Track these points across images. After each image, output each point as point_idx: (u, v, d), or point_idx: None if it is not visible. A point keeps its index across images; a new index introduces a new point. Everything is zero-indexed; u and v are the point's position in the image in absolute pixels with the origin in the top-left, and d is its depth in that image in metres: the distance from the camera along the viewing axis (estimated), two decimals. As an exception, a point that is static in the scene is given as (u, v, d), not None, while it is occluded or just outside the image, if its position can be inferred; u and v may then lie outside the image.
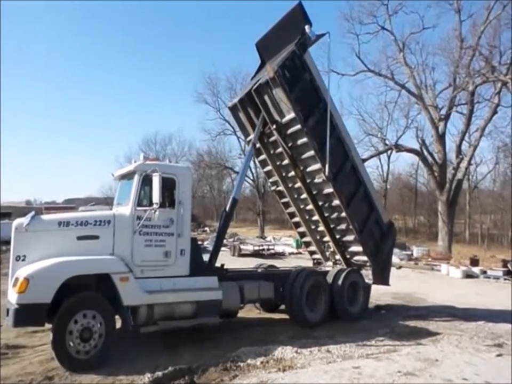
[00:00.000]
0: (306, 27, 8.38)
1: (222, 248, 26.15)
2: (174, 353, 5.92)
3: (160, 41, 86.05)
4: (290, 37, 8.45)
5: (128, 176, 6.77)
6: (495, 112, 25.90)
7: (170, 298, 6.20)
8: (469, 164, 28.49)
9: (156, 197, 5.98)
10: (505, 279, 16.36)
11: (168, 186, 6.42)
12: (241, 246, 24.78)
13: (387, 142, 31.18)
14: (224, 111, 43.74)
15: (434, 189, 28.63)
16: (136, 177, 6.33)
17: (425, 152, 28.80)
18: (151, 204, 6.09)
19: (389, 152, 35.30)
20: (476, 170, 37.52)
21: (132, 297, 5.83)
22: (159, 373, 4.97)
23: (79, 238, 5.86)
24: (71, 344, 5.33)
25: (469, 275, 16.98)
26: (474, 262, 18.66)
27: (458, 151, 27.34)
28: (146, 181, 6.26)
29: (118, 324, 5.95)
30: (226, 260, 17.95)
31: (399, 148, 29.86)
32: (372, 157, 32.02)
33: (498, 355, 6.03)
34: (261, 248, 24.55)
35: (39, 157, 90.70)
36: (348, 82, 57.82)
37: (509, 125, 29.93)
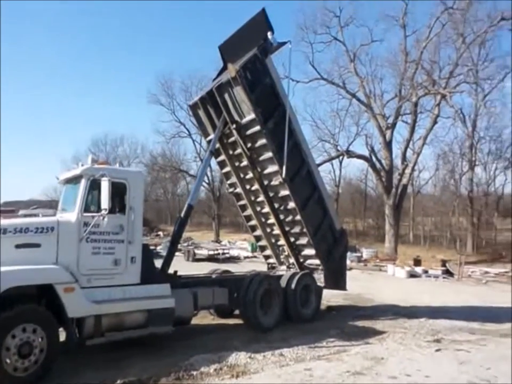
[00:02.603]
0: (269, 33, 8.67)
1: (176, 253, 25.60)
2: (124, 365, 5.66)
3: (112, 39, 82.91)
4: (253, 42, 8.63)
5: (74, 180, 6.42)
6: (435, 122, 27.96)
7: (120, 308, 5.95)
8: (413, 170, 30.43)
9: (105, 202, 5.73)
10: (443, 278, 17.63)
11: (118, 191, 6.17)
12: (196, 251, 24.46)
13: (339, 148, 32.43)
14: (179, 113, 43.14)
15: (382, 194, 30.15)
16: (83, 182, 6.03)
17: (374, 159, 30.37)
18: (99, 209, 5.83)
19: (340, 157, 36.66)
20: (419, 176, 40.05)
21: (77, 308, 5.52)
22: (107, 387, 4.76)
23: (18, 246, 5.45)
24: (8, 361, 4.91)
25: (412, 275, 18.07)
26: (417, 262, 19.92)
27: (403, 158, 29.12)
28: (94, 186, 5.98)
29: (62, 338, 5.61)
30: (181, 265, 17.64)
31: (350, 154, 31.16)
32: (324, 162, 33.09)
33: (437, 350, 6.47)
34: (215, 252, 24.41)
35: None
36: (302, 89, 59.19)
37: (448, 134, 32.47)
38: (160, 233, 42.11)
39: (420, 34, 28.26)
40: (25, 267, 5.28)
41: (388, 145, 29.28)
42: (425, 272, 18.33)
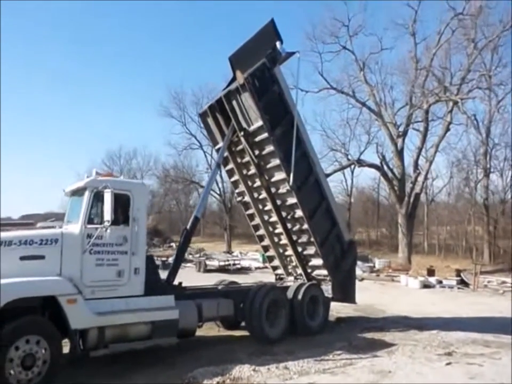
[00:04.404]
0: (278, 43, 8.83)
1: (188, 264, 25.53)
2: (127, 377, 5.64)
3: (124, 52, 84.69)
4: (262, 52, 8.76)
5: (79, 192, 6.51)
6: (447, 130, 27.56)
7: (123, 319, 5.94)
8: (426, 178, 29.96)
9: (108, 214, 5.78)
10: (458, 288, 17.13)
11: (122, 203, 6.23)
12: (207, 262, 24.47)
13: (350, 157, 32.23)
14: (190, 126, 43.63)
15: (395, 202, 29.73)
16: (86, 194, 6.11)
17: (385, 167, 30.02)
18: (102, 221, 5.89)
19: (352, 167, 36.43)
20: (432, 184, 39.40)
21: (81, 320, 5.54)
22: (108, 400, 4.73)
23: (23, 258, 5.52)
24: (12, 372, 4.94)
25: (426, 285, 17.61)
26: (431, 272, 19.42)
27: (416, 166, 28.69)
28: (97, 198, 6.05)
29: (67, 349, 5.63)
30: (191, 276, 17.66)
31: (361, 163, 30.92)
32: (335, 171, 32.93)
33: (448, 363, 6.24)
34: (226, 263, 24.34)
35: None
36: (311, 99, 59.46)
37: (461, 141, 31.96)
38: (173, 244, 42.26)
39: (429, 41, 28.15)
40: (28, 279, 5.33)
41: (400, 153, 28.97)
42: (440, 282, 17.86)
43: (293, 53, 9.29)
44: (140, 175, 51.58)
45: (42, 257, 5.62)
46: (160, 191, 53.56)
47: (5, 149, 78.72)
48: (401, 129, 29.17)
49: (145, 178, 51.38)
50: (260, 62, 8.56)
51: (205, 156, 43.91)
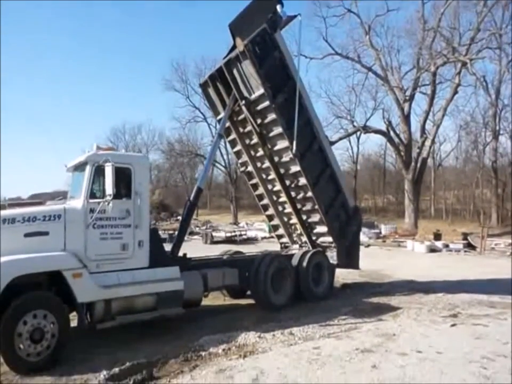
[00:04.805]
0: (278, 7, 8.52)
1: (195, 237, 25.80)
2: (134, 348, 5.75)
3: (125, 26, 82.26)
4: (263, 17, 8.43)
5: (80, 167, 6.44)
6: (456, 92, 26.74)
7: (129, 291, 5.99)
8: (433, 142, 29.42)
9: (109, 188, 5.71)
10: (465, 251, 17.17)
11: (123, 176, 6.15)
12: (214, 233, 24.69)
13: (355, 123, 31.63)
14: (193, 98, 42.93)
15: (401, 168, 29.39)
16: (88, 168, 6.03)
17: (392, 133, 29.47)
18: (104, 195, 5.83)
19: (358, 133, 35.82)
20: (439, 148, 38.79)
21: (87, 293, 5.60)
22: (116, 369, 4.81)
23: (27, 235, 5.53)
24: (21, 346, 5.04)
25: (432, 249, 17.67)
26: (437, 236, 19.44)
27: (423, 131, 28.12)
28: (99, 172, 5.96)
29: (74, 322, 5.74)
30: (198, 247, 17.87)
31: (367, 129, 30.38)
32: (341, 138, 32.42)
33: (452, 325, 6.28)
34: (233, 234, 24.55)
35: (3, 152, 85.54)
36: (315, 65, 57.86)
37: (469, 103, 31.03)
38: (180, 218, 42.60)
39: (437, 0, 26.81)
40: (33, 255, 5.35)
41: (406, 118, 28.35)
42: (446, 246, 17.89)
43: (294, 16, 8.98)
44: (145, 150, 51.47)
45: (46, 233, 5.63)
46: (165, 166, 53.59)
47: (11, 128, 78.79)
48: (408, 93, 28.36)
49: (150, 153, 51.36)
50: (260, 27, 8.25)
51: (209, 128, 43.48)
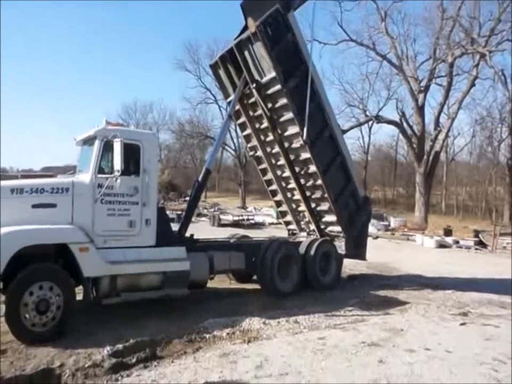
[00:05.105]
0: None
1: (202, 219, 25.80)
2: (139, 325, 5.73)
3: (138, 6, 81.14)
4: None
5: (89, 141, 6.33)
6: (473, 85, 25.95)
7: (135, 269, 5.95)
8: (447, 136, 28.76)
9: (118, 164, 5.62)
10: (476, 249, 16.88)
11: (132, 153, 6.03)
12: (221, 216, 24.68)
13: (368, 113, 31.05)
14: (205, 79, 42.43)
15: (413, 161, 28.89)
16: (96, 143, 5.93)
17: (405, 124, 28.87)
18: (113, 171, 5.73)
19: (370, 123, 35.25)
20: (453, 142, 38.05)
21: (93, 268, 5.56)
22: (120, 346, 4.79)
23: (35, 206, 5.47)
24: (27, 316, 5.05)
25: (442, 245, 17.41)
26: (448, 232, 19.15)
27: (437, 123, 27.48)
28: (107, 147, 5.87)
29: (80, 296, 5.71)
30: (205, 229, 17.84)
31: (379, 119, 29.80)
32: (352, 128, 31.95)
33: (462, 324, 6.12)
34: (240, 218, 24.51)
35: (19, 123, 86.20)
36: (329, 51, 56.72)
37: (486, 97, 30.17)
38: (188, 198, 42.69)
39: None
40: (41, 226, 5.32)
41: (420, 109, 27.67)
42: (456, 242, 17.61)
43: None
44: (156, 129, 51.34)
45: (53, 205, 5.57)
46: (175, 146, 53.50)
47: (23, 101, 79.09)
48: (423, 84, 27.64)
49: (161, 132, 51.27)
50: (273, 7, 7.93)
51: (220, 110, 43.08)
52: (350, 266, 10.45)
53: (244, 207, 36.52)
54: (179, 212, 23.20)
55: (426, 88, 27.70)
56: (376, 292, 8.33)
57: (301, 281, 8.02)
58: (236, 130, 34.52)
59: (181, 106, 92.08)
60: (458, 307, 7.26)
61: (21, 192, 5.46)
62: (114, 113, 51.66)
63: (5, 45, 75.45)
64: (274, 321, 5.92)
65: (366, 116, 30.98)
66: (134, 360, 4.54)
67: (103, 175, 5.83)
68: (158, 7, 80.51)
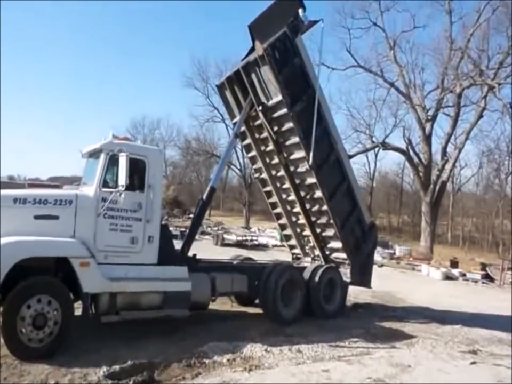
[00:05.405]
0: (300, 10, 8.18)
1: (206, 237, 25.53)
2: (137, 346, 5.55)
3: (149, 22, 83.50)
4: (284, 20, 8.15)
5: (95, 154, 6.30)
6: (480, 116, 26.00)
7: (135, 287, 5.80)
8: (454, 166, 28.65)
9: (122, 178, 5.55)
10: (483, 283, 16.47)
11: (137, 168, 5.99)
12: (225, 236, 24.44)
13: (374, 139, 31.11)
14: (213, 98, 42.93)
15: (419, 189, 28.71)
16: (102, 156, 5.89)
17: (411, 152, 28.85)
18: (117, 185, 5.66)
19: (376, 150, 35.31)
20: (460, 173, 37.87)
21: (93, 283, 5.42)
22: (116, 367, 4.62)
23: (37, 217, 5.39)
24: (23, 330, 4.89)
25: (448, 277, 17.03)
26: (454, 264, 18.76)
27: (444, 153, 27.41)
28: (113, 161, 5.82)
29: (79, 312, 5.54)
30: (208, 248, 17.62)
31: (385, 146, 29.83)
32: (358, 153, 32.00)
33: (472, 363, 5.84)
34: (244, 238, 24.27)
35: (28, 132, 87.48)
36: (337, 76, 57.59)
37: (494, 129, 30.20)
38: (192, 215, 42.51)
39: (467, 20, 26.20)
40: (42, 238, 5.23)
41: (428, 138, 27.68)
42: (463, 275, 17.22)
43: (316, 21, 8.67)
44: (163, 145, 51.78)
45: (56, 217, 5.48)
46: (181, 163, 53.79)
47: (35, 110, 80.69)
48: (430, 113, 27.74)
49: (168, 149, 51.64)
50: (281, 31, 7.98)
51: (227, 129, 43.27)
52: (355, 294, 10.18)
53: (247, 227, 36.24)
54: (183, 229, 23.07)
55: (434, 117, 27.80)
56: (381, 323, 8.06)
57: (304, 308, 7.78)
58: (242, 150, 34.66)
59: (189, 123, 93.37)
60: (467, 344, 6.97)
61: (23, 203, 5.39)
62: (123, 127, 52.33)
63: (19, 57, 77.65)
64: (276, 349, 5.70)
65: (373, 142, 31.04)
66: (130, 383, 4.34)
67: (107, 189, 5.75)
68: (169, 22, 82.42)
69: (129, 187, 5.71)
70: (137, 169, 5.95)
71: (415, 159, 28.46)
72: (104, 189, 5.73)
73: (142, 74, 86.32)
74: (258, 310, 7.98)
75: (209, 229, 29.18)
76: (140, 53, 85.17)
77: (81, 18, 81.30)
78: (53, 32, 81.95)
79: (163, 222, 7.06)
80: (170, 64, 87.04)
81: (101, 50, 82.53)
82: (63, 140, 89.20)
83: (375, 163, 43.00)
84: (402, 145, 29.61)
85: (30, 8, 75.64)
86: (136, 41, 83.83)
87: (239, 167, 43.28)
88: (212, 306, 7.23)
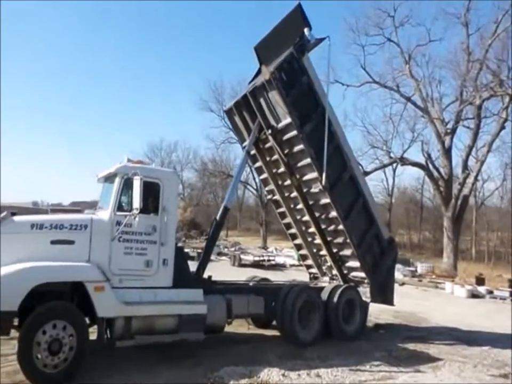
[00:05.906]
0: (306, 30, 8.20)
1: (223, 258, 25.48)
2: (151, 370, 5.48)
3: (165, 47, 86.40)
4: (290, 40, 8.21)
5: (110, 178, 6.41)
6: (502, 127, 25.39)
7: (150, 310, 5.78)
8: (476, 179, 27.91)
9: (137, 201, 5.61)
10: (512, 300, 15.70)
11: (152, 191, 6.04)
12: (242, 256, 24.30)
13: (392, 155, 30.71)
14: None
15: (440, 204, 28.02)
16: (117, 180, 5.98)
17: (431, 167, 28.33)
18: (132, 208, 5.72)
19: (394, 165, 34.84)
20: (483, 186, 36.93)
21: (107, 308, 5.43)
22: (128, 394, 4.54)
23: (53, 242, 5.48)
24: (39, 356, 4.91)
25: (474, 295, 16.32)
26: (480, 281, 18.01)
27: (465, 166, 26.78)
28: (128, 184, 5.89)
29: (94, 336, 5.53)
30: (226, 269, 17.49)
31: (404, 161, 29.42)
32: (376, 169, 31.58)
33: (504, 388, 5.50)
34: (261, 258, 24.06)
35: (51, 160, 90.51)
36: (353, 93, 57.66)
37: (517, 140, 29.39)
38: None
39: (484, 31, 25.84)
40: (57, 263, 5.30)
41: (447, 152, 27.15)
42: (490, 292, 16.47)
43: (322, 39, 8.63)
44: (180, 168, 52.63)
45: (72, 242, 5.56)
46: (198, 184, 54.39)
47: (54, 136, 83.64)
48: (449, 126, 27.28)
49: (185, 171, 52.42)
50: (287, 52, 8.00)
51: (242, 150, 43.75)
52: (375, 314, 9.84)
53: (264, 247, 35.97)
54: (200, 250, 23.05)
55: (453, 130, 27.32)
56: (404, 345, 7.73)
57: (322, 329, 7.55)
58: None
59: (205, 145, 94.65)
60: (497, 367, 6.58)
61: (40, 228, 5.50)
62: (141, 152, 53.57)
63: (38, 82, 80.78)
64: (294, 374, 5.52)
65: (390, 157, 30.66)
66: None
67: (122, 213, 5.82)
68: (182, 47, 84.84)
69: (144, 210, 5.76)
70: (151, 192, 6.01)
71: (435, 174, 27.90)
72: (118, 213, 5.80)
73: (159, 99, 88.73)
74: (275, 332, 7.79)
75: (226, 249, 29.08)
76: (155, 77, 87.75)
77: (97, 43, 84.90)
78: (69, 58, 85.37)
79: (178, 244, 7.06)
80: (187, 88, 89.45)
81: (117, 76, 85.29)
82: (82, 166, 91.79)
83: (393, 179, 42.43)
84: (421, 160, 29.19)
85: (45, 37, 78.64)
86: (151, 63, 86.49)
87: (255, 186, 43.45)
88: (228, 329, 7.10)
